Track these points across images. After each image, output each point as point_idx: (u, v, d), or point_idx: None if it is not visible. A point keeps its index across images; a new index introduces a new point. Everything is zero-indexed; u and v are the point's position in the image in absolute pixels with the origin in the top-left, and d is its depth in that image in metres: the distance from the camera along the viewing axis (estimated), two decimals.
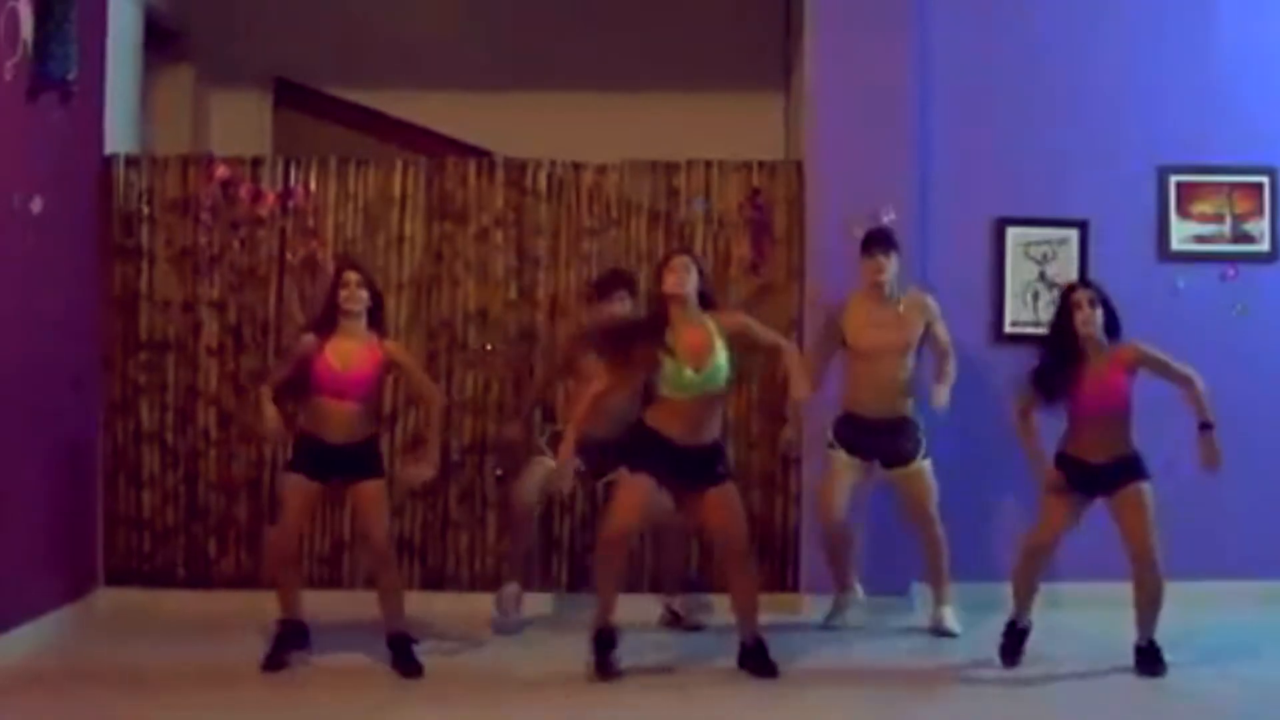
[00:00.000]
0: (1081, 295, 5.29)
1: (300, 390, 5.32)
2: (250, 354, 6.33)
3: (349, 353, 5.25)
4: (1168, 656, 5.30)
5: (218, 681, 5.12)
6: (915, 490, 5.89)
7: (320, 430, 5.26)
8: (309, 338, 5.34)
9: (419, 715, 4.86)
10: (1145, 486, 5.23)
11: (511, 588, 5.99)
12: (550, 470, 5.77)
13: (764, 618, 6.02)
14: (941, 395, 5.74)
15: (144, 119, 6.86)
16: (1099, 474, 5.23)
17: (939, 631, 5.89)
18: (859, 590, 6.09)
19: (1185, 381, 5.25)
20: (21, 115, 5.39)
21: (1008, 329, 6.51)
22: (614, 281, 5.92)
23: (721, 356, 5.13)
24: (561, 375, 6.13)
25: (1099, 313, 5.24)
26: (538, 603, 6.21)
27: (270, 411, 5.27)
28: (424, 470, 5.45)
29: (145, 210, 6.35)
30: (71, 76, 5.58)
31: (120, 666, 5.28)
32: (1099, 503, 5.30)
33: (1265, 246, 6.62)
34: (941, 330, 5.89)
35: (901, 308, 5.85)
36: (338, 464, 5.26)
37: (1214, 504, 6.47)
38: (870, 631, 5.96)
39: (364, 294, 5.28)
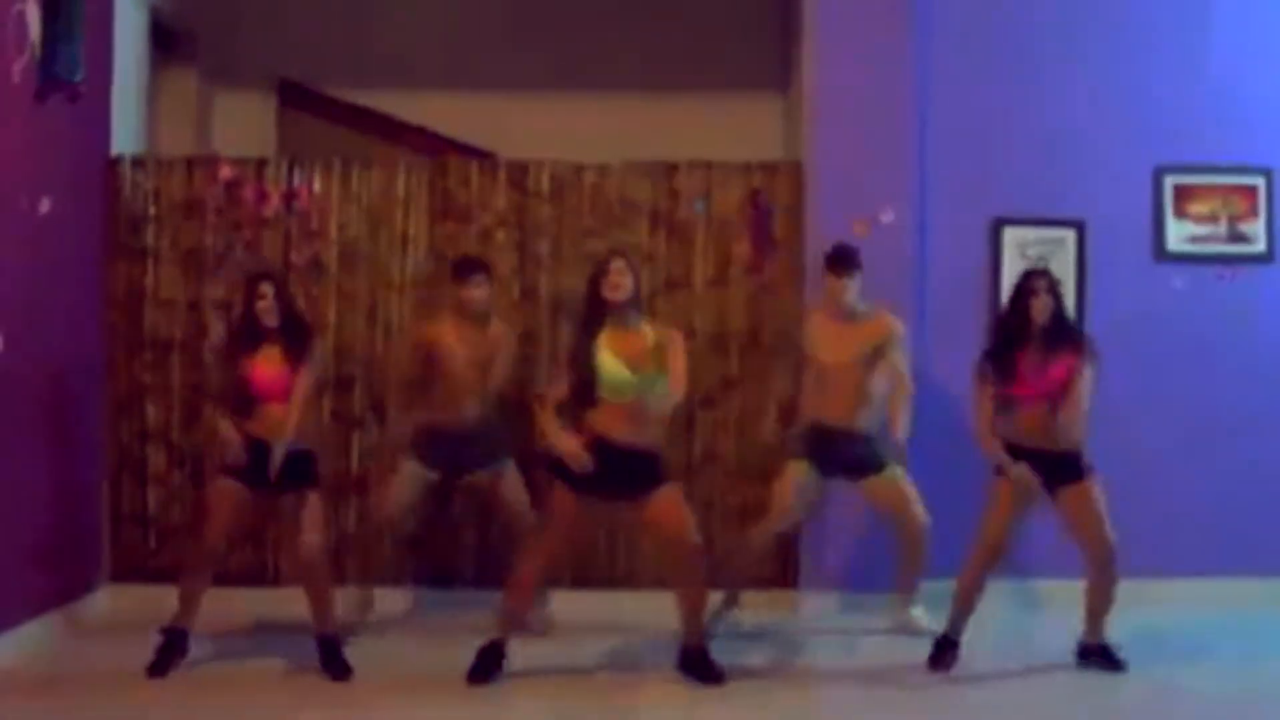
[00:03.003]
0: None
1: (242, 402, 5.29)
2: None
3: (276, 359, 5.25)
4: (1169, 655, 5.31)
5: (220, 681, 5.16)
6: (890, 498, 5.84)
7: (264, 435, 5.21)
8: (232, 356, 5.32)
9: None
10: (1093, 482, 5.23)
11: (367, 593, 6.03)
12: (414, 475, 5.83)
13: (764, 616, 6.08)
14: (899, 427, 5.67)
15: (149, 120, 6.92)
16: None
17: (909, 632, 5.82)
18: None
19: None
20: (29, 116, 5.43)
21: None
22: (472, 266, 5.90)
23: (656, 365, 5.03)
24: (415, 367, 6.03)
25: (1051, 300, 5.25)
26: (395, 600, 6.26)
27: (234, 436, 5.23)
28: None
29: (151, 211, 6.40)
30: (78, 78, 5.63)
31: (124, 665, 5.26)
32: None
33: (1261, 247, 6.65)
34: (897, 358, 5.76)
35: (862, 322, 5.82)
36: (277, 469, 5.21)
37: (1214, 502, 6.51)
38: (869, 631, 5.97)
39: (278, 305, 5.28)
